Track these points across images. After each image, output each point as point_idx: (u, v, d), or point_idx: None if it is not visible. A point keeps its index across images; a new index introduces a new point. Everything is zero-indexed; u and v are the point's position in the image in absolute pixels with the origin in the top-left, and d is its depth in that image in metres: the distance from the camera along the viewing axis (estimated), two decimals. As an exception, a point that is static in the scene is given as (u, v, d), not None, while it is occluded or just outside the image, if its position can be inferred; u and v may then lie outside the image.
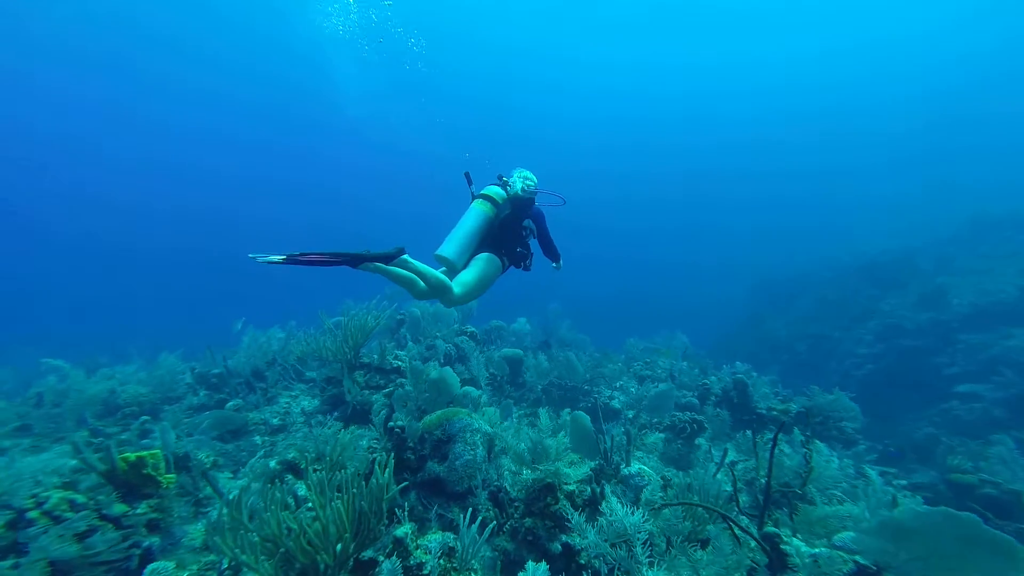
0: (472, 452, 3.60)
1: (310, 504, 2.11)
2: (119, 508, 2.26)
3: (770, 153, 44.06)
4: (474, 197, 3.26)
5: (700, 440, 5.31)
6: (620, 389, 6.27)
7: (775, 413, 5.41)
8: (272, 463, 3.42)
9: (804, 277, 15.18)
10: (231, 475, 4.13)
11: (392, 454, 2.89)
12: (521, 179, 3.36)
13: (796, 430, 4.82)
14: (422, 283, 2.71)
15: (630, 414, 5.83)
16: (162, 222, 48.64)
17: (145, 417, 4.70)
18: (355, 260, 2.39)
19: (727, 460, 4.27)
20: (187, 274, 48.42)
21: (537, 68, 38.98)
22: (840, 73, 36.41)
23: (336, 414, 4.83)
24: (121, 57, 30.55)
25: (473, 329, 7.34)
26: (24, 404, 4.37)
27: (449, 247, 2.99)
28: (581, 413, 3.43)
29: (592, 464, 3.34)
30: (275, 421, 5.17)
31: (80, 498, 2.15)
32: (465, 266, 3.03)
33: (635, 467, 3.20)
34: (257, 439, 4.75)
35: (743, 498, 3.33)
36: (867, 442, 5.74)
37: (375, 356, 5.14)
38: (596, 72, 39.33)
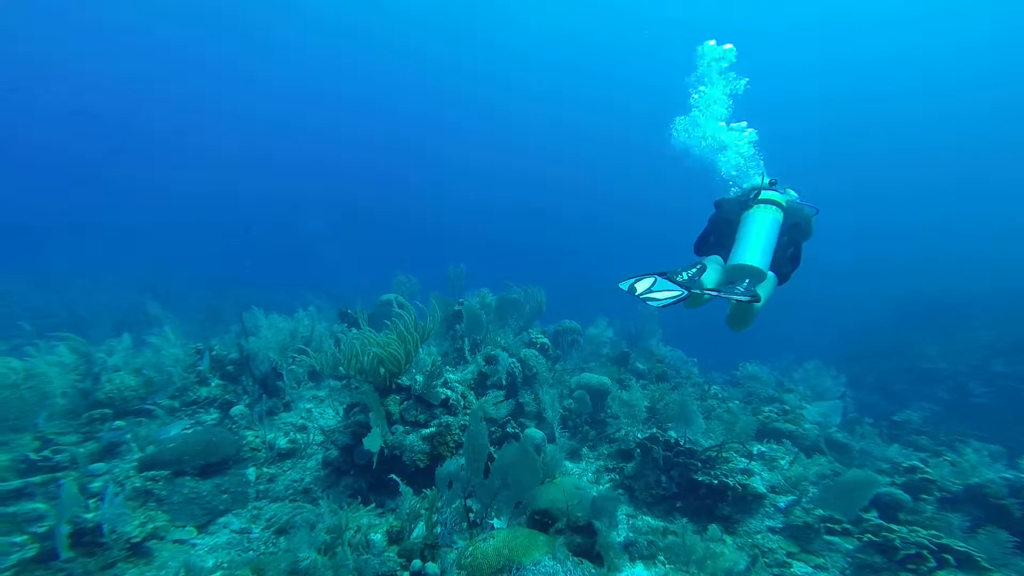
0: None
1: None
2: None
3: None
4: (756, 196, 2.74)
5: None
6: (761, 458, 4.29)
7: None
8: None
9: (985, 299, 11.61)
10: (196, 531, 2.90)
11: None
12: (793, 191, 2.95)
13: None
14: None
15: (780, 502, 3.86)
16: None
17: (120, 423, 3.63)
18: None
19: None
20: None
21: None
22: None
23: (358, 454, 3.43)
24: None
25: (544, 340, 5.67)
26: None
27: (756, 256, 2.51)
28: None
29: None
30: (282, 442, 3.92)
31: None
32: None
33: None
34: (251, 473, 3.52)
35: None
36: None
37: (419, 378, 3.64)
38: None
